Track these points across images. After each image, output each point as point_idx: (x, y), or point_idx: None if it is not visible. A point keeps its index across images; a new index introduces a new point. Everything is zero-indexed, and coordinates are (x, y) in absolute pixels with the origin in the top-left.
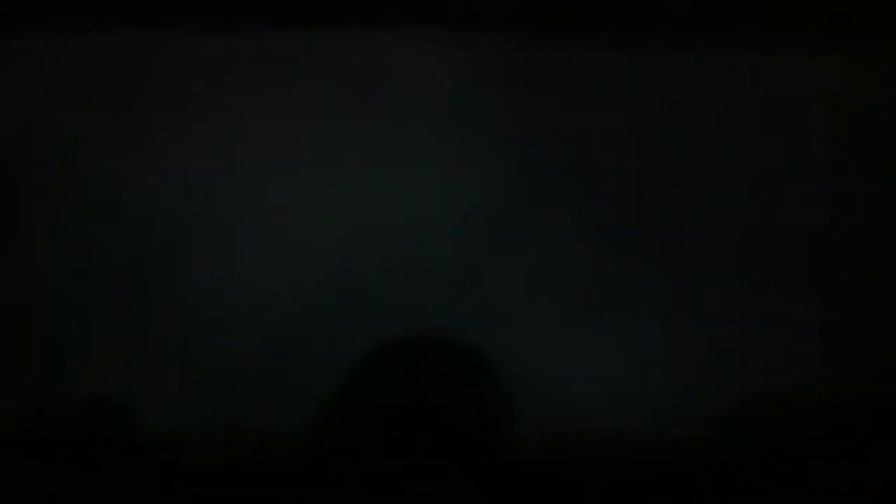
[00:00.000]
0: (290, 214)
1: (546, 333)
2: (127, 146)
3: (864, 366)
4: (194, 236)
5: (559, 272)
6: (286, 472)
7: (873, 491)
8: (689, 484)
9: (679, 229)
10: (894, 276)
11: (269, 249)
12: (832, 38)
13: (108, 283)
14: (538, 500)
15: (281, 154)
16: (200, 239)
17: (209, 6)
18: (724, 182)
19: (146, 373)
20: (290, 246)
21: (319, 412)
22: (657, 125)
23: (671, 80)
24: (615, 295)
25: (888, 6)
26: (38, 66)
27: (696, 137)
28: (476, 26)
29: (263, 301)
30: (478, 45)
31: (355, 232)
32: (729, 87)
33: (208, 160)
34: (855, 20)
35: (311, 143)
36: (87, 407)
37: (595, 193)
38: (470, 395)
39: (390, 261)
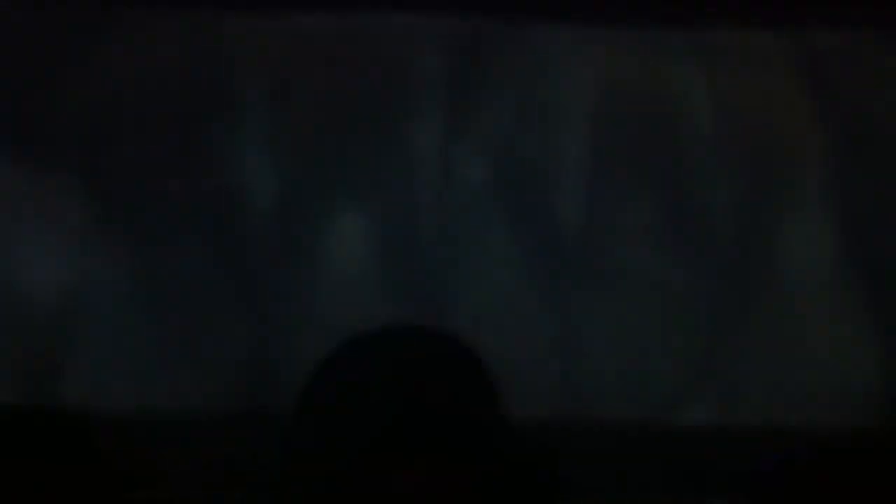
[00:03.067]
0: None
1: (532, 317)
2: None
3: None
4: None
5: (547, 256)
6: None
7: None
8: (689, 469)
9: (675, 209)
10: None
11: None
12: None
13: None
14: (533, 489)
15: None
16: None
17: None
18: (723, 161)
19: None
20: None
21: (302, 403)
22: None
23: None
24: (607, 276)
25: None
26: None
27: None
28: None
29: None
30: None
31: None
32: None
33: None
34: None
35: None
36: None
37: (586, 172)
38: (458, 384)
39: (373, 248)
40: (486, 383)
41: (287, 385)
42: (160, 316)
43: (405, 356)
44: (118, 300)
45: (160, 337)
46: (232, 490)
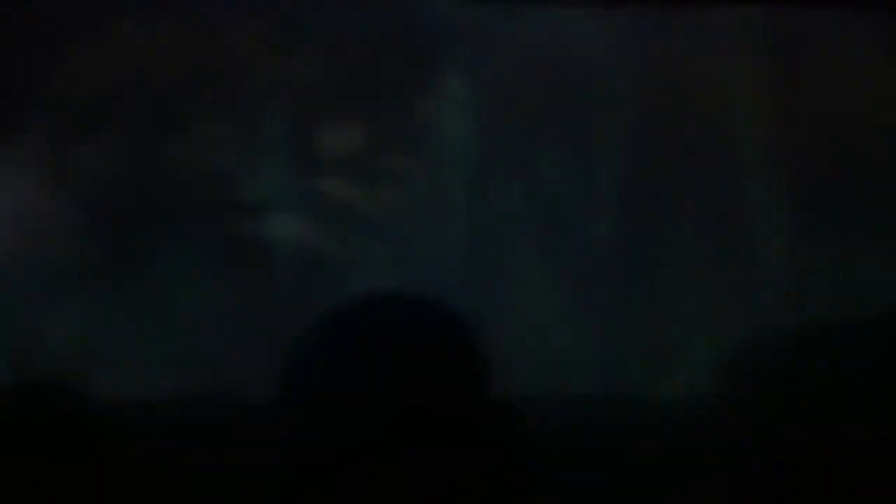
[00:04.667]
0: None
1: (524, 296)
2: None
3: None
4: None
5: (537, 236)
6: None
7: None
8: (672, 443)
9: (660, 193)
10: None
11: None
12: None
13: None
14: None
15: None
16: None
17: None
18: (708, 148)
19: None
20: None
21: (287, 381)
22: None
23: None
24: (594, 258)
25: None
26: None
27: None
28: None
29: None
30: None
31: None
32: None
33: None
34: None
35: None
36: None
37: (574, 156)
38: (449, 359)
39: (364, 226)
40: (476, 360)
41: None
42: (157, 314)
43: (393, 336)
44: (119, 299)
45: (155, 334)
46: (228, 489)
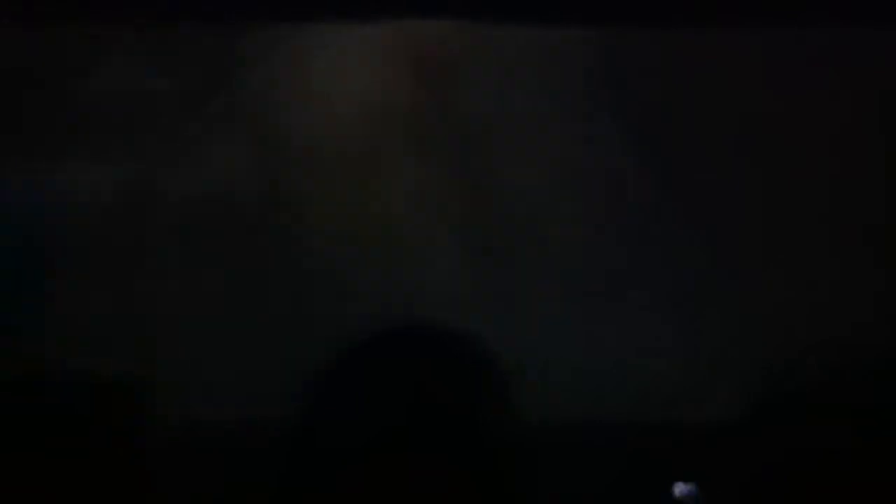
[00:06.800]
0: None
1: (543, 321)
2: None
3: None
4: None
5: (558, 259)
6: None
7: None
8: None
9: (678, 214)
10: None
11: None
12: None
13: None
14: (538, 490)
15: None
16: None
17: None
18: (725, 165)
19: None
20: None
21: (308, 405)
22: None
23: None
24: (614, 280)
25: None
26: None
27: (702, 122)
28: None
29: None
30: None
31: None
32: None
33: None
34: None
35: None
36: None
37: (593, 175)
38: (467, 385)
39: (382, 248)
40: (496, 382)
41: (289, 389)
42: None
43: (410, 355)
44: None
45: (163, 340)
46: (234, 492)
